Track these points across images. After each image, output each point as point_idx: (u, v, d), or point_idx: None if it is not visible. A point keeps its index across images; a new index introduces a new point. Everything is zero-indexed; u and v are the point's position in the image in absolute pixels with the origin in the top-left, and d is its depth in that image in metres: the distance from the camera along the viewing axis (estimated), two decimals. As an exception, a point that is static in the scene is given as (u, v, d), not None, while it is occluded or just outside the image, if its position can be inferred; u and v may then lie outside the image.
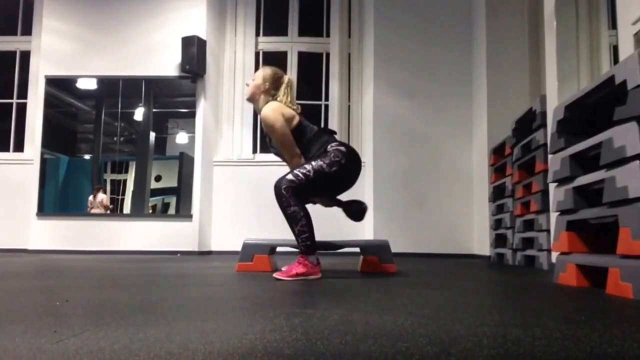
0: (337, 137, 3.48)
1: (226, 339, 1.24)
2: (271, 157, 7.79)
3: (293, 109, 3.37)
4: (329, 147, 3.24)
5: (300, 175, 3.12)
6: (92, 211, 7.73)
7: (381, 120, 7.36)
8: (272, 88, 3.42)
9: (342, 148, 3.24)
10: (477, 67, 7.10)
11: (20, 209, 7.58)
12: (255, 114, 8.04)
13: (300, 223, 3.08)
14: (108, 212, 7.84)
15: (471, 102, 7.30)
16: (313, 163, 3.16)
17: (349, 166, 3.24)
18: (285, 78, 3.47)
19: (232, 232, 7.50)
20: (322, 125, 7.57)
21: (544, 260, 4.29)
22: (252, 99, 3.47)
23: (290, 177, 3.13)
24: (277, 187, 3.12)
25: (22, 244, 7.43)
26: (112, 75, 7.66)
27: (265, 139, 3.56)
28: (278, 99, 3.38)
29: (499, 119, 6.29)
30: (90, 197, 7.82)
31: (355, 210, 3.54)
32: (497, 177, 5.96)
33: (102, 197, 7.86)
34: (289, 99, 3.40)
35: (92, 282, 2.80)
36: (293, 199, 3.08)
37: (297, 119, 3.33)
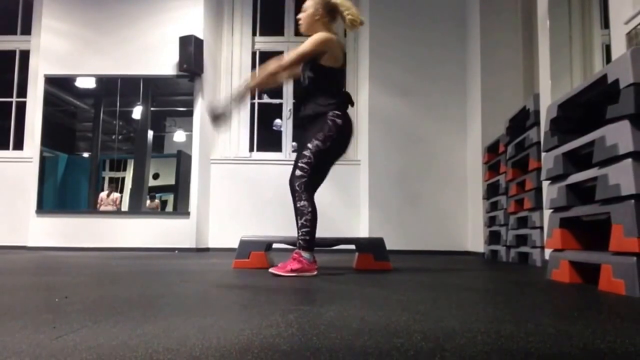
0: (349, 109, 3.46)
1: (223, 334, 1.25)
2: (267, 155, 7.84)
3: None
4: (330, 113, 3.27)
5: (306, 166, 3.23)
6: (102, 208, 7.74)
7: (376, 119, 7.37)
8: (326, 15, 3.36)
9: (339, 121, 3.27)
10: (471, 66, 7.11)
11: (20, 206, 7.60)
12: (253, 111, 8.06)
13: (305, 217, 3.19)
14: (122, 210, 7.89)
15: (465, 101, 7.31)
16: (310, 146, 3.22)
17: (341, 139, 3.30)
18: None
19: (229, 229, 7.51)
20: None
21: (538, 257, 4.31)
22: (308, 30, 3.42)
23: (298, 172, 3.24)
24: (292, 185, 3.26)
25: (22, 241, 7.44)
26: (111, 74, 7.66)
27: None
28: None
29: (492, 117, 6.31)
30: (103, 195, 7.84)
31: None
32: (491, 174, 5.97)
33: (117, 196, 7.90)
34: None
35: (91, 279, 2.81)
36: (305, 193, 3.22)
37: (340, 62, 3.34)
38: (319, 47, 3.24)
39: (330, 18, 3.39)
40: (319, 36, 3.26)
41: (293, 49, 3.37)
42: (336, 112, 3.27)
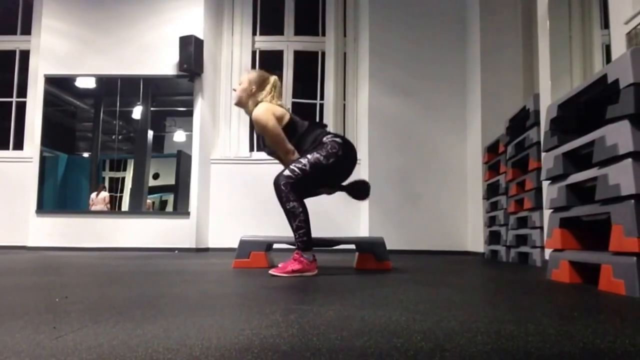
0: (328, 129, 3.51)
1: (223, 334, 1.25)
2: (267, 155, 7.82)
3: (281, 107, 3.38)
4: (324, 138, 3.27)
5: (297, 170, 3.17)
6: (94, 208, 7.75)
7: (376, 119, 7.37)
8: (258, 90, 3.41)
9: (338, 139, 3.28)
10: (471, 66, 7.11)
11: (20, 206, 7.61)
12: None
13: (298, 219, 3.15)
14: (114, 209, 7.91)
15: (465, 101, 7.32)
16: (309, 156, 3.20)
17: (345, 157, 3.27)
18: (271, 79, 3.45)
19: (229, 229, 7.51)
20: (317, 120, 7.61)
21: (537, 257, 4.31)
22: (240, 103, 3.48)
23: (287, 172, 3.19)
24: (276, 184, 3.19)
25: (22, 241, 7.45)
26: (111, 74, 7.67)
27: (259, 140, 3.57)
28: (266, 99, 3.37)
29: (492, 117, 6.31)
30: (93, 195, 7.84)
31: (359, 190, 3.59)
32: (491, 174, 5.97)
33: (106, 195, 7.90)
34: (274, 98, 3.40)
35: (91, 279, 2.81)
36: (292, 194, 3.15)
37: (287, 116, 3.34)
38: (271, 120, 3.25)
39: (260, 90, 3.42)
40: (262, 115, 3.27)
41: (276, 147, 3.39)
42: (330, 134, 3.30)
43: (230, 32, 8.08)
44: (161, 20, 7.65)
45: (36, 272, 3.33)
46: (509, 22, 6.57)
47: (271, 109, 3.28)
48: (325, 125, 3.54)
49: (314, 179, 3.24)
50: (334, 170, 3.28)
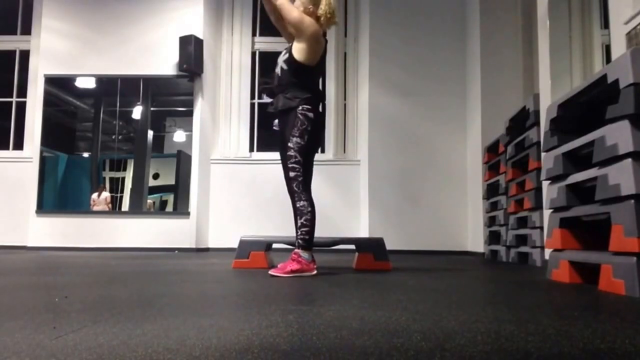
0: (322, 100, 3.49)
1: (223, 334, 1.25)
2: (267, 155, 7.83)
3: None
4: (299, 108, 3.27)
5: (296, 165, 3.24)
6: (95, 208, 7.75)
7: (376, 119, 7.37)
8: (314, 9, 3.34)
9: (310, 114, 3.28)
10: (471, 66, 7.11)
11: (20, 206, 7.61)
12: (253, 111, 8.05)
13: (304, 217, 3.20)
14: (116, 209, 7.92)
15: (465, 101, 7.32)
16: (291, 145, 3.24)
17: (314, 131, 3.31)
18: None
19: (229, 229, 7.52)
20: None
21: (537, 257, 4.31)
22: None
23: (292, 174, 3.25)
24: (289, 187, 3.28)
25: (22, 241, 7.46)
26: (111, 74, 7.67)
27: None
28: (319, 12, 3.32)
29: (492, 117, 6.32)
30: (94, 195, 7.85)
31: None
32: (491, 175, 5.97)
33: (107, 195, 7.92)
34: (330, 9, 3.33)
35: (91, 279, 2.80)
36: (304, 194, 3.24)
37: (316, 61, 3.34)
38: (304, 27, 3.24)
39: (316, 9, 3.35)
40: (311, 22, 3.26)
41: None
42: (306, 106, 3.27)
43: (230, 32, 8.09)
44: (161, 20, 7.66)
45: (36, 272, 3.33)
46: (509, 22, 6.58)
47: (320, 42, 3.31)
48: (324, 102, 3.53)
49: (304, 159, 3.28)
50: (311, 143, 3.33)
